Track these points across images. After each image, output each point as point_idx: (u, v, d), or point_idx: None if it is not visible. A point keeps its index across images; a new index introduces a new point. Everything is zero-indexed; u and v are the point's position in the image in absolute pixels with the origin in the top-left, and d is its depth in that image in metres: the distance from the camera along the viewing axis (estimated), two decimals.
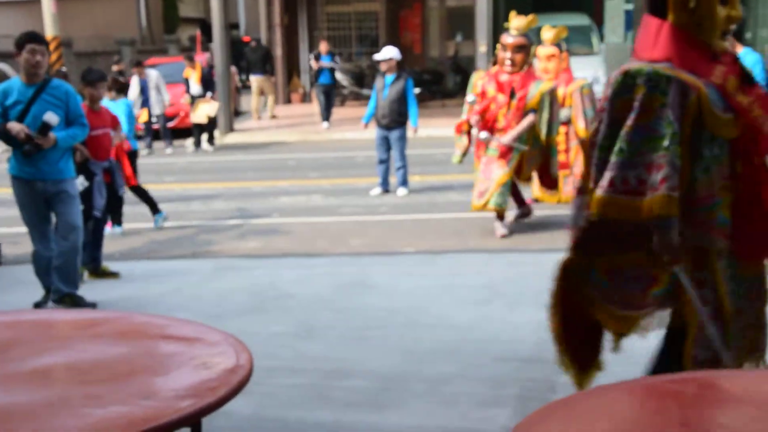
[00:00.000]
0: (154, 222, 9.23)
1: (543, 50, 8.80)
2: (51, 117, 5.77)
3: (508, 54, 7.94)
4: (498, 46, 8.22)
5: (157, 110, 15.86)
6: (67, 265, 5.97)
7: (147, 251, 8.26)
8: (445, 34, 23.91)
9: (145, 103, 15.86)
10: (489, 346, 5.01)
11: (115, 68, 16.23)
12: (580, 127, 8.62)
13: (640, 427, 1.95)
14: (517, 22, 7.97)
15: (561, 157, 8.66)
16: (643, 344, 4.92)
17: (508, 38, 7.96)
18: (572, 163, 8.78)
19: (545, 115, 8.06)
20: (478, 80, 8.36)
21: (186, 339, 2.69)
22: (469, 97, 8.32)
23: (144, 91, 15.79)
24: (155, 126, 16.12)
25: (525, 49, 7.94)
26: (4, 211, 10.14)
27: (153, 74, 15.85)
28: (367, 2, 23.12)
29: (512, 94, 7.94)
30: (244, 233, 8.86)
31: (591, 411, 2.03)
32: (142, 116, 15.98)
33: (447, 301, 6.02)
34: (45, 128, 5.76)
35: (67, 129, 5.90)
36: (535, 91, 7.92)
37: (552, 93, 8.07)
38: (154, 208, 9.22)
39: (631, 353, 4.79)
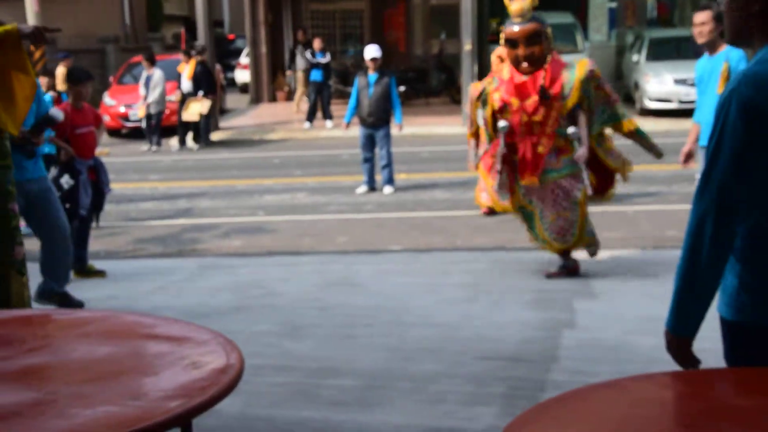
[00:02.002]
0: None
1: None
2: (57, 113, 5.62)
3: (522, 50, 6.16)
4: (501, 40, 6.62)
5: (153, 108, 15.79)
6: (60, 265, 5.88)
7: (132, 250, 8.23)
8: (429, 33, 23.92)
9: (144, 100, 15.80)
10: (475, 345, 5.02)
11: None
12: None
13: (638, 427, 1.95)
14: (518, 4, 6.24)
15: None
16: (635, 343, 4.96)
17: (514, 27, 6.20)
18: None
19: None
20: (493, 93, 6.47)
21: (175, 338, 2.68)
22: (501, 123, 6.42)
23: (146, 86, 15.73)
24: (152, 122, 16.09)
25: (541, 36, 6.19)
26: None
27: (158, 73, 15.78)
28: (351, 0, 23.10)
29: (544, 93, 6.21)
30: (229, 232, 8.84)
31: (586, 410, 2.04)
32: (140, 112, 15.94)
33: (432, 300, 6.03)
34: (45, 124, 5.59)
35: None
36: (572, 79, 6.21)
37: (593, 78, 6.22)
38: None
39: (624, 352, 4.82)
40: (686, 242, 2.34)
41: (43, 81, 9.72)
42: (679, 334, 2.37)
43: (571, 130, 6.20)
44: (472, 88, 8.55)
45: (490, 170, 8.30)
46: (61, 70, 16.31)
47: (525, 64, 6.22)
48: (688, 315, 2.35)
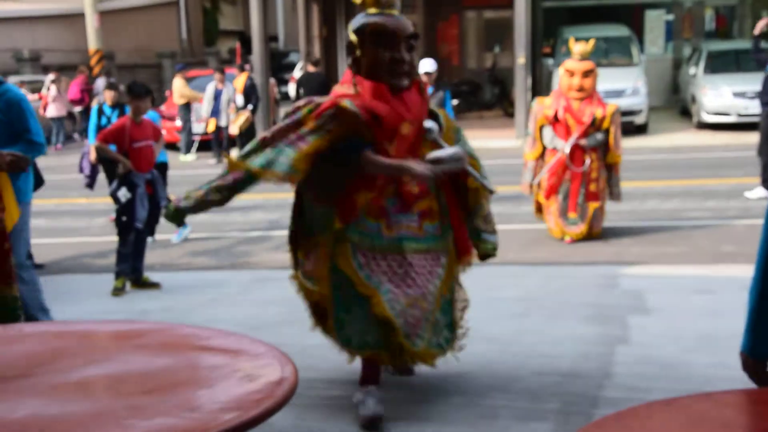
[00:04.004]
0: (177, 235, 9.26)
1: (578, 65, 7.95)
2: None
3: (398, 52, 4.16)
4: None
5: (222, 122, 16.05)
6: (29, 302, 5.28)
7: (186, 262, 8.33)
8: (482, 46, 23.89)
9: (214, 113, 16.02)
10: (528, 360, 4.98)
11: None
12: (618, 153, 8.13)
13: None
14: None
15: (591, 187, 8.05)
16: (691, 361, 4.87)
17: (381, 19, 4.19)
18: (601, 193, 8.17)
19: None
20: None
21: (230, 351, 2.70)
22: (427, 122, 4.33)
23: (217, 99, 15.96)
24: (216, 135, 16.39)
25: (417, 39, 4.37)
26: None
27: (229, 87, 16.04)
28: (404, 13, 23.18)
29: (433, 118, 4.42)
30: (282, 244, 8.87)
31: (643, 428, 2.00)
32: (210, 125, 16.18)
33: (485, 314, 5.99)
34: None
35: (9, 147, 4.85)
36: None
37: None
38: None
39: (680, 370, 4.74)
40: (760, 259, 2.26)
41: (108, 95, 9.85)
42: (756, 355, 2.28)
43: (428, 124, 4.26)
44: (535, 104, 8.41)
45: (556, 192, 8.19)
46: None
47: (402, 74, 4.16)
48: (764, 334, 2.26)
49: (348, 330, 4.14)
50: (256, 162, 4.03)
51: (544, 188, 8.18)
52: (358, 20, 4.15)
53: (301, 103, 4.16)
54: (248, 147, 4.14)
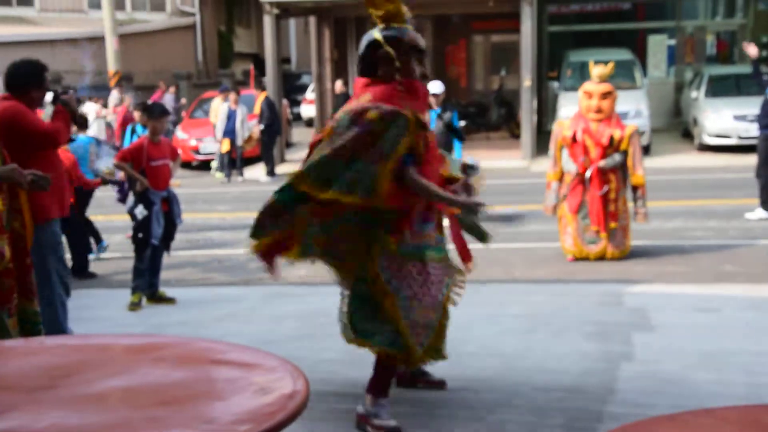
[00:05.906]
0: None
1: (596, 87, 8.04)
2: None
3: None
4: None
5: (238, 141, 16.30)
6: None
7: (201, 278, 8.44)
8: (489, 68, 24.06)
9: (228, 133, 16.20)
10: (533, 376, 5.05)
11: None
12: (640, 174, 8.11)
13: None
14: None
15: (611, 207, 8.07)
16: (693, 377, 4.95)
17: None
18: (621, 214, 8.19)
19: None
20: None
21: (245, 364, 2.77)
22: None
23: (230, 120, 16.15)
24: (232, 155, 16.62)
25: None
26: None
27: (243, 108, 16.23)
28: None
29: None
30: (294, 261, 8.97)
31: None
32: (224, 145, 16.37)
33: (492, 330, 6.07)
34: None
35: None
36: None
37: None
38: (98, 239, 9.37)
39: (682, 386, 4.82)
40: None
41: (139, 116, 10.13)
42: None
43: (470, 160, 4.74)
44: (556, 126, 8.53)
45: (576, 212, 8.24)
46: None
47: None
48: None
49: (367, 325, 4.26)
50: (336, 186, 4.10)
51: (569, 208, 8.23)
52: (391, 32, 4.21)
53: (363, 107, 4.13)
54: (314, 159, 4.18)
